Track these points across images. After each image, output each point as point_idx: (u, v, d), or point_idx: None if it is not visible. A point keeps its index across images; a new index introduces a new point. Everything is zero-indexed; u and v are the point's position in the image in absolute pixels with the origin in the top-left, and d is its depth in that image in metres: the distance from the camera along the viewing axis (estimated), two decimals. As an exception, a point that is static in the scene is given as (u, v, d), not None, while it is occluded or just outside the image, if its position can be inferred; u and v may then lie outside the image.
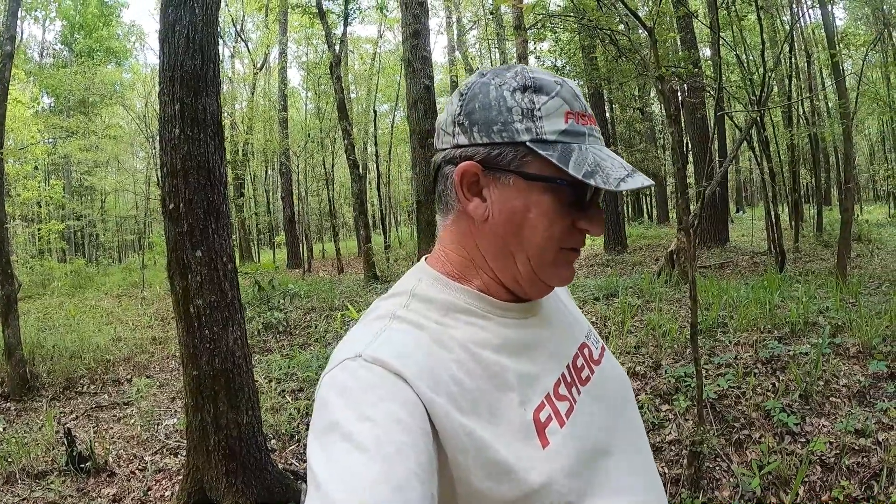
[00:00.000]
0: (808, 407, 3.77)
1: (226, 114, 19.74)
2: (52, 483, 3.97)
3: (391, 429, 0.62)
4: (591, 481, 0.75)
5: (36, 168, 20.71)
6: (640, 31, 10.01)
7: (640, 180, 0.72)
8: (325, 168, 21.25)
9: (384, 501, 0.56)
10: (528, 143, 0.73)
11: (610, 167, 0.73)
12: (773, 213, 10.77)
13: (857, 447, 3.29)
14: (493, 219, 0.77)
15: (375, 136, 21.12)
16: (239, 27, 23.50)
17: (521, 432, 0.72)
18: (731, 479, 3.25)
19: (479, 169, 0.75)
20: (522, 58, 7.34)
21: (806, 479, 3.09)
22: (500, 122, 0.74)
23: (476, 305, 0.80)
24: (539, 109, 0.73)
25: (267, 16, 22.90)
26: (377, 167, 21.80)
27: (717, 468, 3.39)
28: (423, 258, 0.88)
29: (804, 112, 15.03)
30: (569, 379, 0.82)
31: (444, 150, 0.80)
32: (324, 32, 13.56)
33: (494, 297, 0.81)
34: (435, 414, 0.66)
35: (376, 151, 21.59)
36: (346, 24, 15.09)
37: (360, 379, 0.66)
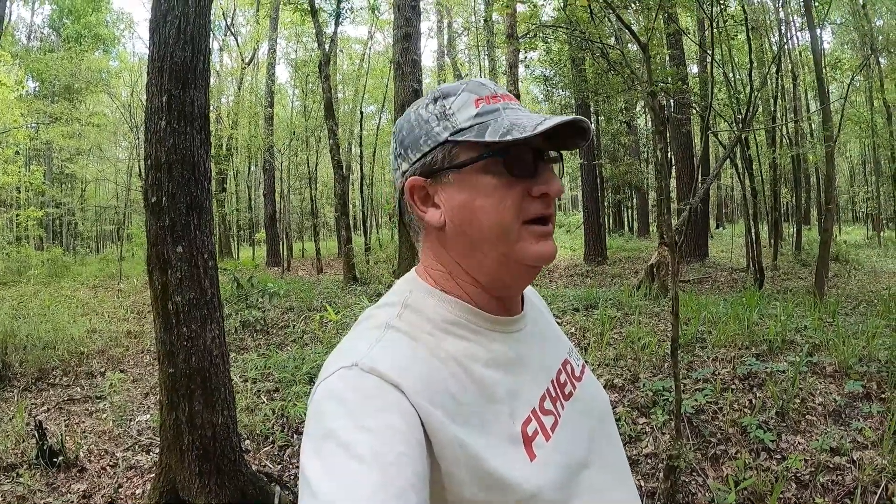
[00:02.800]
0: (785, 424, 3.81)
1: (212, 107, 19.56)
2: (21, 476, 3.88)
3: (388, 439, 0.62)
4: (575, 494, 0.76)
5: (17, 153, 20.34)
6: (631, 45, 10.10)
7: (558, 119, 0.74)
8: (308, 167, 21.11)
9: None
10: (448, 139, 0.78)
11: (527, 121, 0.75)
12: (753, 230, 10.90)
13: (831, 465, 3.33)
14: (450, 220, 0.79)
15: (361, 137, 21.01)
16: (229, 20, 23.32)
17: (511, 445, 0.73)
18: (707, 494, 3.26)
19: (423, 180, 0.80)
20: (513, 66, 7.36)
21: (781, 496, 3.11)
22: (423, 134, 0.80)
23: (466, 318, 0.81)
24: (450, 108, 0.79)
25: (258, 10, 22.77)
26: (361, 168, 21.69)
27: (693, 482, 3.40)
28: (413, 269, 0.89)
29: (788, 132, 15.24)
30: (553, 394, 0.84)
31: (398, 184, 0.85)
32: (314, 30, 13.49)
33: (483, 310, 0.82)
34: (430, 425, 0.67)
35: (361, 152, 21.47)
36: (337, 24, 15.04)
37: (357, 388, 0.67)
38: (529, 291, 1.00)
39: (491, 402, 0.75)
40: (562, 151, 0.86)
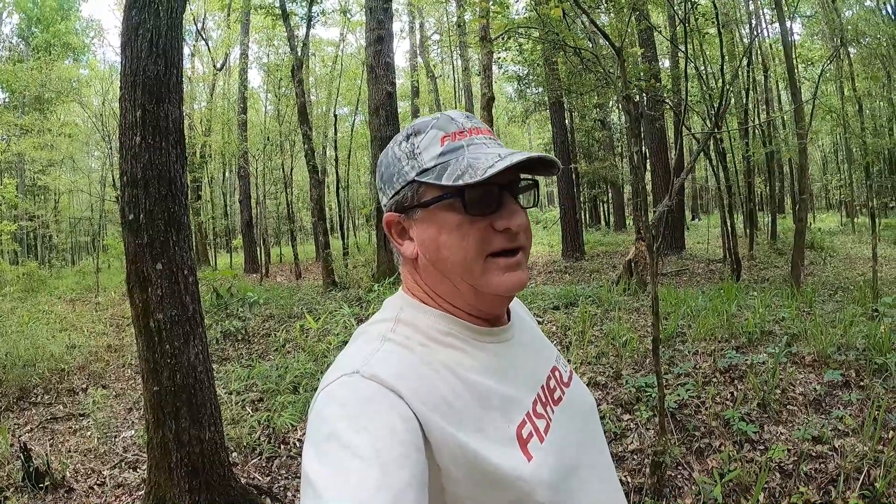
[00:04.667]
0: (766, 415, 3.87)
1: (185, 114, 19.33)
2: (8, 500, 3.81)
3: (389, 440, 0.66)
4: (565, 495, 0.79)
5: (-12, 167, 19.97)
6: (604, 42, 10.16)
7: (510, 160, 0.76)
8: (283, 171, 20.97)
9: None
10: (415, 179, 0.82)
11: (483, 161, 0.78)
12: (728, 222, 11.04)
13: (814, 454, 3.39)
14: (422, 253, 0.84)
15: (336, 140, 20.90)
16: (200, 25, 23.04)
17: (508, 446, 0.76)
18: (693, 488, 3.30)
19: (397, 216, 0.86)
20: (487, 68, 7.38)
21: (765, 486, 3.16)
22: (395, 171, 0.85)
23: (457, 330, 0.85)
24: (417, 147, 0.83)
25: (229, 15, 22.52)
26: (336, 171, 21.59)
27: (679, 476, 3.45)
28: (400, 289, 0.94)
29: (760, 124, 15.45)
30: (543, 399, 0.88)
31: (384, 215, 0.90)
32: (286, 34, 13.40)
33: (470, 323, 0.86)
34: (428, 428, 0.70)
35: (336, 155, 21.37)
36: (308, 27, 14.94)
37: (358, 393, 0.71)
38: (515, 303, 1.04)
39: (485, 408, 0.78)
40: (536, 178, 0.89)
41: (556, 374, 0.96)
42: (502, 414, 0.79)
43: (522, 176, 0.85)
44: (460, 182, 0.77)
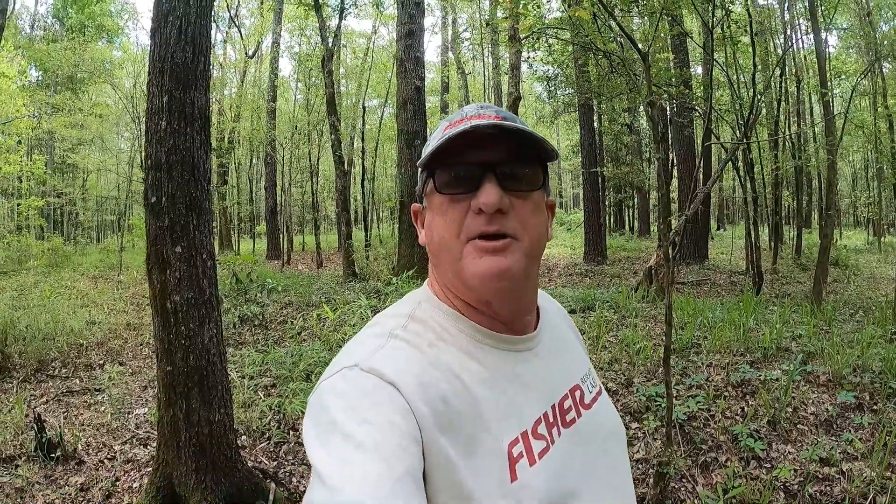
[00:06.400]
0: (776, 433, 3.83)
1: (214, 99, 19.53)
2: (19, 468, 3.91)
3: (387, 431, 0.67)
4: None
5: (19, 142, 20.35)
6: (629, 49, 10.08)
7: (451, 131, 0.77)
8: (310, 161, 21.09)
9: (388, 495, 0.61)
10: (420, 169, 0.86)
11: (447, 135, 0.78)
12: (753, 235, 10.89)
13: (821, 475, 3.35)
14: (427, 238, 0.87)
15: (363, 132, 20.97)
16: (233, 12, 23.24)
17: (492, 461, 0.74)
18: (696, 501, 3.29)
19: (418, 205, 0.90)
20: (515, 68, 7.37)
21: (769, 505, 3.13)
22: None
23: (469, 334, 0.83)
24: (429, 139, 0.85)
25: (262, 3, 22.70)
26: (362, 163, 21.67)
27: (683, 489, 3.43)
28: (426, 281, 0.93)
29: (790, 136, 15.22)
30: (551, 419, 0.84)
31: None
32: (318, 25, 13.48)
33: (486, 328, 0.84)
34: (423, 425, 0.70)
35: (363, 147, 21.46)
36: (341, 18, 15.04)
37: (357, 385, 0.72)
38: (554, 310, 1.02)
39: (481, 417, 0.76)
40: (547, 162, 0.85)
41: (577, 394, 0.91)
42: (496, 426, 0.76)
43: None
44: (421, 162, 0.82)
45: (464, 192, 0.79)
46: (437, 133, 0.84)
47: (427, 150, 0.82)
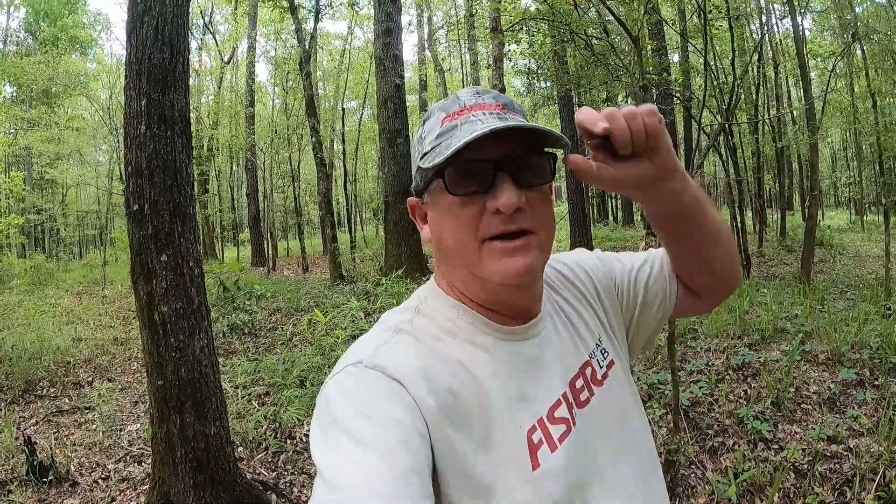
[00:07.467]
0: (781, 414, 3.80)
1: (192, 107, 19.31)
2: (12, 494, 3.79)
3: (390, 427, 0.66)
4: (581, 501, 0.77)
5: (-5, 160, 20.03)
6: (617, 36, 10.07)
7: (469, 137, 0.71)
8: (291, 165, 20.93)
9: (388, 491, 0.60)
10: (420, 165, 0.81)
11: (458, 139, 0.73)
12: (738, 218, 10.92)
13: (829, 453, 3.33)
14: (433, 237, 0.84)
15: (343, 134, 20.85)
16: (207, 19, 23.03)
17: (512, 451, 0.74)
18: (707, 487, 3.25)
19: (416, 200, 0.87)
20: (497, 60, 7.29)
21: (780, 486, 3.10)
22: (413, 158, 0.86)
23: (475, 326, 0.82)
24: (424, 132, 0.82)
25: (236, 8, 22.49)
26: (344, 165, 21.57)
27: (693, 475, 3.39)
28: (432, 276, 0.92)
29: (770, 119, 15.33)
30: (566, 402, 0.82)
31: None
32: (294, 27, 13.36)
33: (491, 320, 0.83)
34: (430, 419, 0.70)
35: (343, 149, 21.35)
36: (316, 20, 14.95)
37: (360, 382, 0.72)
38: (554, 278, 0.96)
39: (493, 409, 0.75)
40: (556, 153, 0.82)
41: (588, 371, 0.88)
42: (511, 416, 0.76)
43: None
44: (432, 163, 0.75)
45: (477, 191, 0.76)
46: (434, 124, 0.80)
47: (428, 145, 0.79)
